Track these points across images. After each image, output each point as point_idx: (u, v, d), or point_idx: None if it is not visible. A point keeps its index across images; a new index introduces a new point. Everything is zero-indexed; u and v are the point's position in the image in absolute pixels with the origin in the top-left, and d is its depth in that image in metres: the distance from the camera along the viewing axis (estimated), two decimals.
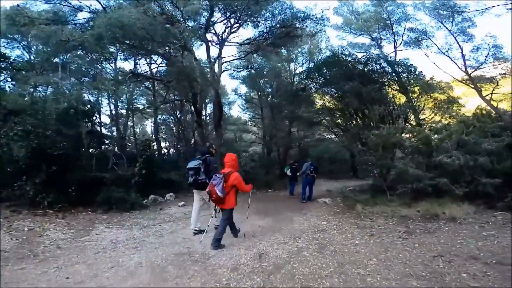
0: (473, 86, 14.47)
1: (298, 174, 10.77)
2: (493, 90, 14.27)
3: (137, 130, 29.56)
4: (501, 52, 13.53)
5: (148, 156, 10.25)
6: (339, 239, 5.50)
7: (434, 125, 10.88)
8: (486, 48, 13.59)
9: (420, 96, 11.71)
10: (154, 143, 19.81)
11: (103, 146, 16.02)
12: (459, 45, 14.70)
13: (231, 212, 4.61)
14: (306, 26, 12.74)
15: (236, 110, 47.31)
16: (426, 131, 11.36)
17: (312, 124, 17.62)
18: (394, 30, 16.04)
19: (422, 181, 7.67)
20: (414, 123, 12.64)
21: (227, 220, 4.61)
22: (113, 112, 18.23)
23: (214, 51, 17.94)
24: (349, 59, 12.06)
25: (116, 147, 16.59)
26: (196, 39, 15.32)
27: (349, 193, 11.96)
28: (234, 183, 4.35)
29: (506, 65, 13.83)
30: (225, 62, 17.01)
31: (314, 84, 14.70)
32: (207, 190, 4.31)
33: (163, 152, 22.18)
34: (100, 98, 17.15)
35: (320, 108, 15.97)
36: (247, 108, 22.66)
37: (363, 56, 12.26)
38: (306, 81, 14.92)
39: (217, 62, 15.50)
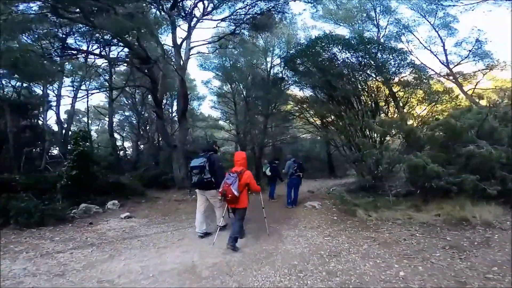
0: (454, 81, 13.28)
1: (282, 171, 8.53)
2: (476, 85, 13.32)
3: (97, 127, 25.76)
4: (481, 47, 12.55)
5: (82, 152, 7.34)
6: (369, 269, 3.40)
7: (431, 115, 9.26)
8: (470, 43, 12.41)
9: (411, 87, 10.13)
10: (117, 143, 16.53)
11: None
12: (441, 39, 13.56)
13: (245, 211, 4.31)
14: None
15: (207, 105, 43.70)
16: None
17: (291, 117, 15.64)
18: (377, 22, 14.64)
19: (443, 178, 5.81)
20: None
21: (242, 220, 4.30)
22: (55, 102, 14.67)
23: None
24: (335, 43, 10.11)
25: (55, 145, 13.24)
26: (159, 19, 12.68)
27: (335, 193, 10.13)
28: (247, 182, 4.06)
29: (486, 60, 12.79)
30: (194, 46, 14.38)
31: (293, 73, 12.56)
32: (220, 189, 3.94)
33: (121, 150, 18.84)
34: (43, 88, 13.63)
35: (298, 101, 13.94)
36: (219, 103, 20.10)
37: (352, 37, 10.41)
38: (285, 69, 12.74)
39: (184, 44, 12.88)
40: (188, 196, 10.16)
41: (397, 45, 10.97)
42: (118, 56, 13.40)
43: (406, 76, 10.27)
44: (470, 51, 12.36)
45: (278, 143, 18.55)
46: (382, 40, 14.05)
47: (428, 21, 13.54)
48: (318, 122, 13.41)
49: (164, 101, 18.73)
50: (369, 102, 10.43)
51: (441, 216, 5.69)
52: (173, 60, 12.98)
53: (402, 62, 10.09)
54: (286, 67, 12.22)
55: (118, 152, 17.49)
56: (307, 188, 11.87)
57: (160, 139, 18.43)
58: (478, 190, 5.54)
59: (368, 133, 10.07)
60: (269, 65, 16.83)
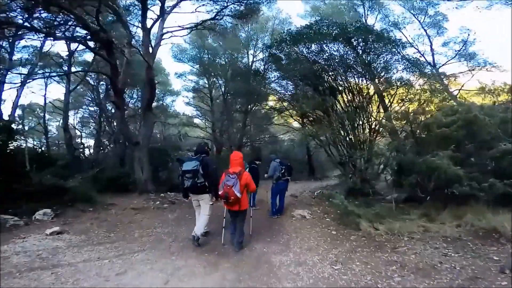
0: (439, 81, 12.52)
1: (265, 176, 6.90)
2: (462, 86, 12.72)
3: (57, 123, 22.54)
4: (466, 48, 11.98)
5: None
6: None
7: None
8: (457, 43, 11.71)
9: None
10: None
11: None
12: (429, 38, 12.85)
13: (246, 213, 4.09)
14: None
15: (181, 102, 40.59)
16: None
17: (272, 115, 14.20)
18: (366, 19, 13.77)
19: (465, 183, 4.60)
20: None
21: (244, 221, 4.07)
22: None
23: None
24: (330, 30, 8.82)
25: None
26: None
27: (333, 201, 8.79)
28: (247, 182, 3.83)
29: (473, 62, 12.24)
30: (168, 32, 12.42)
31: (276, 66, 11.12)
32: (221, 192, 3.69)
33: (80, 148, 16.28)
34: None
35: (280, 98, 12.53)
36: (194, 98, 18.21)
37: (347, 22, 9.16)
38: (268, 64, 11.27)
39: (157, 29, 11.01)
40: (151, 203, 8.29)
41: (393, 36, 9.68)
42: (74, 36, 11.13)
43: (400, 71, 9.11)
44: (457, 51, 11.59)
45: (257, 143, 17.06)
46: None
47: (417, 19, 12.75)
48: (301, 120, 12.08)
49: (131, 94, 16.57)
50: (359, 98, 9.24)
51: (462, 227, 4.59)
52: (141, 44, 11.07)
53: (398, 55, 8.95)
54: (270, 57, 10.67)
55: (75, 150, 14.98)
56: (289, 192, 10.37)
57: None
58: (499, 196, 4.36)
59: (357, 131, 8.89)
60: (251, 58, 15.27)
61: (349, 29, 8.20)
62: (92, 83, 16.49)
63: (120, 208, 7.72)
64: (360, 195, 8.15)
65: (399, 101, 9.78)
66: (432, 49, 12.00)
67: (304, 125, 16.40)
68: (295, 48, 9.94)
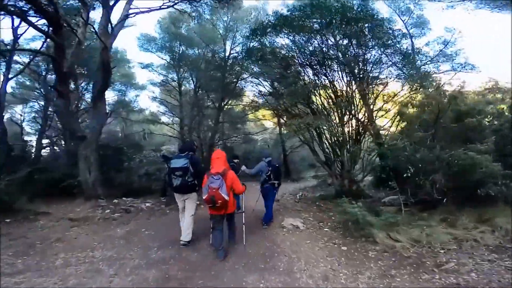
0: (418, 83, 11.87)
1: (242, 169, 5.55)
2: (442, 85, 12.25)
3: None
4: (443, 49, 11.53)
5: None
6: None
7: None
8: (441, 43, 11.26)
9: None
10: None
11: None
12: (411, 38, 12.38)
13: (233, 214, 3.66)
14: None
15: (146, 97, 37.19)
16: None
17: (248, 112, 12.74)
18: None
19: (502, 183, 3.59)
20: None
21: (234, 223, 3.73)
22: None
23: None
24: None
25: None
26: None
27: (305, 201, 7.60)
28: (232, 182, 3.40)
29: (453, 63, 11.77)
30: (134, 14, 10.29)
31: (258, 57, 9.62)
32: (205, 196, 3.25)
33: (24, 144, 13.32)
34: None
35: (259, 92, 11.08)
36: (162, 92, 16.09)
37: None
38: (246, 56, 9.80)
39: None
40: (98, 212, 6.36)
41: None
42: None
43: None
44: (440, 51, 11.06)
45: (229, 142, 15.48)
46: None
47: (401, 18, 12.21)
48: (282, 115, 10.75)
49: (86, 86, 14.10)
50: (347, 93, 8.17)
51: (497, 233, 3.79)
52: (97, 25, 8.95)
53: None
54: (255, 39, 9.08)
55: (11, 147, 12.05)
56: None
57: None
58: None
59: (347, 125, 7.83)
60: (228, 51, 13.68)
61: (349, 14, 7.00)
62: (41, 73, 13.62)
63: (53, 219, 5.73)
64: (350, 198, 7.08)
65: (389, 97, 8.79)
66: (413, 49, 11.32)
67: (281, 124, 15.32)
68: (280, 37, 8.64)
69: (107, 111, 9.91)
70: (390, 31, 7.29)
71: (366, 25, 7.13)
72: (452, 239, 3.74)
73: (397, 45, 7.49)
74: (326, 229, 4.67)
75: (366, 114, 8.09)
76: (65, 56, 7.65)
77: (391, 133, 7.65)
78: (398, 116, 5.16)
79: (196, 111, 12.84)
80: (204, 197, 3.30)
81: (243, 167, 5.56)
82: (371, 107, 8.15)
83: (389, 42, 7.50)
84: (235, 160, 7.09)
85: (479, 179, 3.79)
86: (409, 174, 4.17)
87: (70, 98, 8.70)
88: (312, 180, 14.13)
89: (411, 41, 11.86)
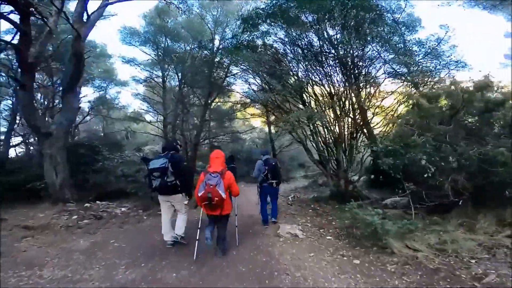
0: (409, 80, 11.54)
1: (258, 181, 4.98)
2: (432, 86, 11.96)
3: None
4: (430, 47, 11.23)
5: None
6: None
7: None
8: (432, 41, 10.81)
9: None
10: None
11: None
12: (403, 36, 11.94)
13: (228, 219, 3.41)
14: None
15: (128, 94, 35.21)
16: None
17: (236, 109, 11.99)
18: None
19: None
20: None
21: (226, 227, 3.41)
22: None
23: None
24: None
25: None
26: None
27: (299, 203, 6.96)
28: (230, 183, 3.26)
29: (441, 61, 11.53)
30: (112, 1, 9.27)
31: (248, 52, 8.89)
32: (201, 193, 3.06)
33: None
34: None
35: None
36: (145, 88, 15.03)
37: None
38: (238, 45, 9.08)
39: None
40: (63, 218, 5.42)
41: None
42: None
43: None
44: (429, 48, 10.71)
45: (216, 141, 14.64)
46: None
47: (392, 15, 11.78)
48: (272, 112, 10.09)
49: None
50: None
51: None
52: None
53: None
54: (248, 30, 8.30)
55: None
56: (257, 196, 8.37)
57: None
58: None
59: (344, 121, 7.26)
60: (216, 44, 12.83)
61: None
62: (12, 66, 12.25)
63: (6, 227, 4.75)
64: (347, 200, 6.50)
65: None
66: (405, 45, 10.94)
67: (271, 122, 14.62)
68: (273, 29, 7.98)
69: (79, 106, 8.88)
70: (393, 24, 6.77)
71: (368, 15, 6.55)
72: (477, 246, 3.17)
73: (399, 38, 7.00)
74: (329, 237, 4.00)
75: (360, 112, 7.55)
76: (30, 45, 6.66)
77: (389, 130, 7.16)
78: (416, 108, 4.54)
79: (181, 108, 11.92)
80: (200, 194, 3.09)
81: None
82: (367, 103, 7.62)
83: (389, 36, 7.01)
84: (231, 160, 6.47)
85: (505, 178, 3.23)
86: (429, 174, 3.56)
87: (33, 90, 7.66)
88: (303, 180, 13.57)
89: (403, 37, 11.54)
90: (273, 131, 14.98)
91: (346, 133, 7.37)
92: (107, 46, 16.80)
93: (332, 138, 7.33)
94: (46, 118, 10.98)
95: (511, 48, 12.11)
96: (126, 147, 15.61)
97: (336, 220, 5.01)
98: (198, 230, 3.47)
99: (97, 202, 7.15)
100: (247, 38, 8.38)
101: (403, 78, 7.28)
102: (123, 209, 6.31)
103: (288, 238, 3.95)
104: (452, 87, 4.31)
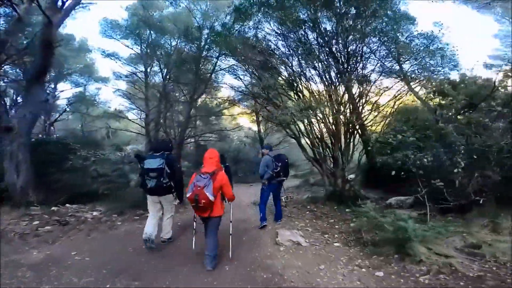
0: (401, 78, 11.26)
1: (263, 178, 4.50)
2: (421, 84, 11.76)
3: None
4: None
5: None
6: None
7: None
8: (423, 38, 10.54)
9: None
10: None
11: None
12: (395, 32, 11.63)
13: (220, 221, 3.08)
14: None
15: (109, 90, 33.04)
16: None
17: (225, 105, 11.24)
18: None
19: None
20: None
21: (217, 230, 3.05)
22: None
23: None
24: None
25: None
26: None
27: (295, 205, 6.36)
28: (222, 184, 2.98)
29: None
30: None
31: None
32: (189, 194, 2.88)
33: None
34: None
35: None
36: (127, 84, 13.97)
37: None
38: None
39: None
40: (21, 224, 4.54)
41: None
42: None
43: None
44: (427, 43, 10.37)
45: (202, 140, 13.80)
46: None
47: (383, 12, 11.46)
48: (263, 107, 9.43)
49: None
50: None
51: None
52: None
53: None
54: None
55: None
56: (247, 197, 7.71)
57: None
58: None
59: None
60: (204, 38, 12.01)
61: None
62: None
63: None
64: (345, 200, 6.00)
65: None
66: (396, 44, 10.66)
67: (260, 121, 14.01)
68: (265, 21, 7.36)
69: (46, 98, 7.89)
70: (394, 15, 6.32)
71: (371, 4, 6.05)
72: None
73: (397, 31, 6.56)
74: (337, 244, 3.41)
75: (354, 109, 7.03)
76: None
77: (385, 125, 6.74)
78: (443, 98, 4.03)
79: (164, 104, 11.05)
80: (187, 195, 2.97)
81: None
82: (362, 100, 7.10)
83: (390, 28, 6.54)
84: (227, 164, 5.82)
85: None
86: (459, 169, 3.04)
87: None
88: (293, 179, 12.90)
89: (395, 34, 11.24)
90: (262, 130, 14.38)
91: (343, 129, 6.84)
92: (87, 40, 15.65)
93: (331, 133, 6.77)
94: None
95: None
96: (107, 146, 14.55)
97: (339, 223, 4.44)
98: (194, 222, 3.37)
99: (67, 205, 6.23)
100: (238, 28, 7.70)
101: (399, 74, 6.85)
102: (95, 213, 5.45)
103: (289, 247, 3.32)
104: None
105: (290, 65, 7.41)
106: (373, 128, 7.55)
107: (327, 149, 7.00)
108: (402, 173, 3.89)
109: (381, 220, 2.93)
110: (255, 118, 14.54)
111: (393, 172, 3.99)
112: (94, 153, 6.65)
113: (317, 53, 6.85)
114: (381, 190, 8.10)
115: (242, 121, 17.76)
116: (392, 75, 7.43)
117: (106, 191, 5.82)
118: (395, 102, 7.29)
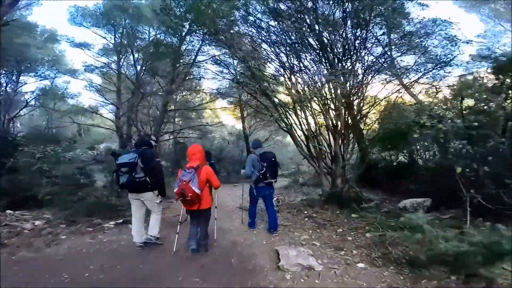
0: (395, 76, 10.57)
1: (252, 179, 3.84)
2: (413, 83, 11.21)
3: None
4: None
5: None
6: None
7: None
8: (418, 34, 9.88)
9: None
10: None
11: None
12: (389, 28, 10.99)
13: (210, 212, 3.23)
14: None
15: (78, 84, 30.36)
16: None
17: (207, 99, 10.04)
18: None
19: None
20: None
21: (208, 222, 3.24)
22: None
23: None
24: None
25: None
26: None
27: (289, 209, 5.38)
28: (208, 177, 3.08)
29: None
30: None
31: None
32: (176, 189, 2.93)
33: None
34: None
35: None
36: (102, 76, 12.27)
37: None
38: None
39: None
40: None
41: None
42: None
43: None
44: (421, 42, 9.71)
45: (181, 137, 12.47)
46: None
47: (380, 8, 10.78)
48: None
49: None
50: None
51: None
52: None
53: None
54: None
55: None
56: (232, 200, 6.69)
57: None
58: None
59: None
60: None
61: None
62: None
63: None
64: (346, 202, 5.11)
65: None
66: (389, 39, 9.89)
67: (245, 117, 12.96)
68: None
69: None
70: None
71: None
72: None
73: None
74: (361, 265, 2.45)
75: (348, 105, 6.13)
76: None
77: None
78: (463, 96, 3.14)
79: (137, 96, 9.65)
80: (175, 191, 2.96)
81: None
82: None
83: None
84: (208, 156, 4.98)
85: None
86: None
87: None
88: (280, 179, 11.81)
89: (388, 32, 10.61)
90: (247, 127, 13.32)
91: (344, 122, 5.91)
92: (57, 31, 14.01)
93: (331, 126, 5.81)
94: None
95: None
96: (78, 144, 12.91)
97: (351, 233, 3.49)
98: (178, 225, 3.27)
99: (8, 211, 4.87)
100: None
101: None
102: (37, 222, 4.16)
103: (299, 273, 2.30)
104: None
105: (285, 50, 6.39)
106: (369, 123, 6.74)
107: (324, 145, 6.10)
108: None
109: (445, 237, 1.98)
110: (239, 114, 13.49)
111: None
112: (44, 150, 5.24)
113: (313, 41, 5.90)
114: (380, 190, 7.33)
115: (226, 119, 16.66)
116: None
117: (47, 197, 4.50)
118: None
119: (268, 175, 3.60)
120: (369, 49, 5.95)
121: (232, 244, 3.24)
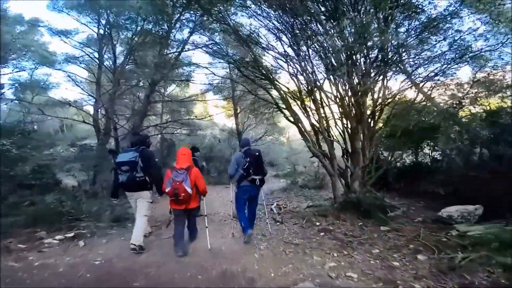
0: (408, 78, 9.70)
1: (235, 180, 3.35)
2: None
3: None
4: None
5: None
6: None
7: None
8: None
9: None
10: None
11: None
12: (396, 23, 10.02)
13: (198, 210, 3.45)
14: None
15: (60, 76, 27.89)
16: None
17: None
18: None
19: None
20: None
21: (195, 218, 3.37)
22: None
23: None
24: None
25: None
26: None
27: (295, 219, 4.28)
28: (196, 178, 3.11)
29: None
30: None
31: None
32: (168, 189, 2.91)
33: None
34: None
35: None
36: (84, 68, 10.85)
37: None
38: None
39: None
40: None
41: None
42: None
43: None
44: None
45: (168, 134, 11.21)
46: None
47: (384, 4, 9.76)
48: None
49: None
50: None
51: None
52: None
53: None
54: None
55: None
56: (223, 205, 5.47)
57: None
58: None
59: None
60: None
61: None
62: None
63: None
64: (367, 211, 4.05)
65: None
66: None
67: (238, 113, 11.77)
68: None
69: None
70: None
71: None
72: None
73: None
74: None
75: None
76: None
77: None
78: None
79: (117, 87, 8.36)
80: (167, 190, 2.94)
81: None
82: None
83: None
84: (196, 154, 4.83)
85: None
86: None
87: None
88: (274, 180, 10.65)
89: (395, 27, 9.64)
90: (240, 124, 12.14)
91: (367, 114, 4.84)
92: (39, 21, 12.57)
93: (350, 119, 4.73)
94: None
95: None
96: (60, 141, 11.47)
97: (393, 254, 2.42)
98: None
99: None
100: None
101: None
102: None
103: None
104: None
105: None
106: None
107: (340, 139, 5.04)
108: None
109: None
110: (231, 112, 12.32)
111: None
112: (2, 144, 3.99)
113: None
114: (395, 193, 6.34)
115: (217, 118, 15.42)
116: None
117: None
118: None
119: (251, 171, 3.23)
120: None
121: (224, 278, 2.10)
